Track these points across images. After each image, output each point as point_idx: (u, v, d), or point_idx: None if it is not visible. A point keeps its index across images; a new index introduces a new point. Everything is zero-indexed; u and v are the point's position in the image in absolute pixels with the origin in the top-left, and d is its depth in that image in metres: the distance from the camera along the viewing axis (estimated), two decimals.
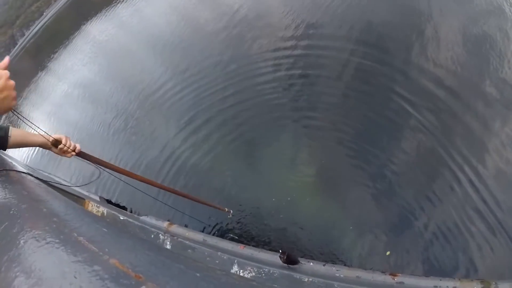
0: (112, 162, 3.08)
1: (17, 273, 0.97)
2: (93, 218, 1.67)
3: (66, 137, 2.53)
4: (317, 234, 5.57)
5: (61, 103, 15.94)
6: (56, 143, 2.46)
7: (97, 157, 2.99)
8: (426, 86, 6.46)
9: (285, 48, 8.95)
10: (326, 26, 9.13)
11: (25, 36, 48.37)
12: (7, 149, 2.41)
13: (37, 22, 50.44)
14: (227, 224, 6.15)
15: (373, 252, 5.16)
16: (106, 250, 0.99)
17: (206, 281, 0.91)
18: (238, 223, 6.13)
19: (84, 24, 24.28)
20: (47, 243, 1.06)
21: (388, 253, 4.98)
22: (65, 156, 2.60)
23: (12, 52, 42.15)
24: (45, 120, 14.90)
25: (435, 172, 5.46)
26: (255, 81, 8.44)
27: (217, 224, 6.21)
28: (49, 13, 49.45)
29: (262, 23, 10.55)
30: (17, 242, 1.11)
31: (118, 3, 22.43)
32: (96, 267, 0.88)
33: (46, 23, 45.81)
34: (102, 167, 3.12)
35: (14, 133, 2.36)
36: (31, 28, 49.50)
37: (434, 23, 7.50)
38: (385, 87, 6.85)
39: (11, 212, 1.35)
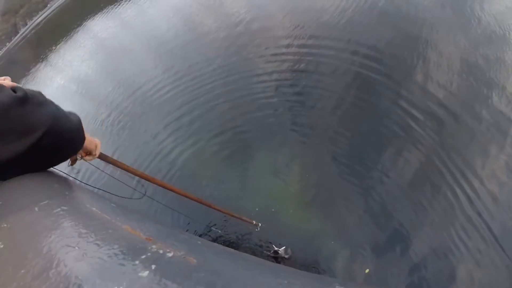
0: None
1: (35, 235, 1.08)
2: (100, 196, 1.78)
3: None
4: (299, 246, 5.62)
5: (57, 96, 15.89)
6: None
7: (118, 160, 2.90)
8: (423, 104, 6.59)
9: (283, 60, 9.08)
10: (326, 38, 9.28)
11: (27, 26, 48.16)
12: None
13: (40, 13, 50.25)
14: (211, 228, 6.19)
15: (352, 268, 5.21)
16: (118, 218, 1.11)
17: (206, 246, 1.03)
18: (221, 230, 6.17)
19: (87, 20, 24.29)
20: (63, 210, 1.17)
21: (367, 271, 5.03)
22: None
23: (13, 41, 42.01)
24: None
25: (425, 191, 5.55)
26: (252, 88, 8.57)
27: (203, 228, 6.24)
28: (53, 5, 49.31)
29: (264, 32, 10.70)
30: (33, 208, 1.22)
31: (123, 2, 22.51)
32: (110, 230, 1.00)
33: (49, 15, 45.67)
34: (124, 170, 3.00)
35: None
36: (34, 19, 49.29)
37: (436, 44, 7.66)
38: (381, 102, 6.96)
39: (25, 184, 1.46)
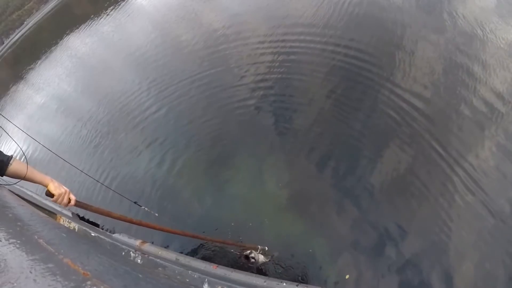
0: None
1: None
2: (54, 224, 1.77)
3: (62, 193, 2.54)
4: (277, 254, 5.53)
5: (36, 115, 15.76)
6: (49, 194, 2.49)
7: (96, 206, 2.93)
8: (407, 100, 6.56)
9: (262, 65, 9.07)
10: (306, 37, 9.30)
11: (4, 44, 47.84)
12: (4, 176, 2.50)
13: (17, 31, 50.07)
14: (199, 246, 6.09)
15: (332, 274, 5.15)
16: (62, 251, 1.10)
17: (146, 281, 1.03)
18: (203, 246, 6.07)
19: (65, 36, 24.22)
20: (10, 243, 1.17)
21: (347, 276, 4.99)
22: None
23: None
24: (20, 132, 14.71)
25: (410, 193, 5.49)
26: (231, 98, 8.54)
27: (188, 245, 6.13)
28: (30, 23, 49.16)
29: (240, 42, 10.69)
30: None
31: (100, 17, 22.50)
32: (50, 265, 1.00)
33: (26, 33, 45.47)
34: (102, 216, 3.08)
35: (16, 165, 2.48)
36: (11, 37, 49.06)
37: (418, 43, 7.71)
38: (363, 100, 6.95)
39: None
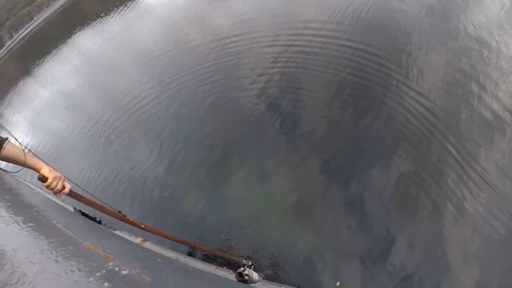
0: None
1: (1, 248, 1.09)
2: (69, 212, 1.79)
3: (57, 177, 2.35)
4: (267, 260, 5.48)
5: (43, 111, 15.74)
6: (42, 178, 2.30)
7: (89, 198, 2.81)
8: (412, 107, 6.55)
9: (270, 68, 9.05)
10: (312, 46, 9.28)
11: (13, 39, 47.98)
12: None
13: (26, 26, 50.26)
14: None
15: (323, 281, 5.12)
16: (81, 235, 1.13)
17: (165, 264, 1.05)
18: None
19: (73, 33, 24.27)
20: (28, 226, 1.19)
21: (338, 283, 4.96)
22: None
23: None
24: (26, 126, 14.74)
25: (408, 200, 5.47)
26: (238, 100, 8.53)
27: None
28: (40, 18, 49.34)
29: (249, 41, 10.70)
30: (1, 225, 1.23)
31: (110, 16, 22.54)
32: (70, 247, 1.02)
33: (36, 28, 45.64)
34: (94, 209, 2.95)
35: (10, 148, 2.35)
36: (20, 32, 49.25)
37: (427, 51, 7.71)
38: (368, 108, 6.92)
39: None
